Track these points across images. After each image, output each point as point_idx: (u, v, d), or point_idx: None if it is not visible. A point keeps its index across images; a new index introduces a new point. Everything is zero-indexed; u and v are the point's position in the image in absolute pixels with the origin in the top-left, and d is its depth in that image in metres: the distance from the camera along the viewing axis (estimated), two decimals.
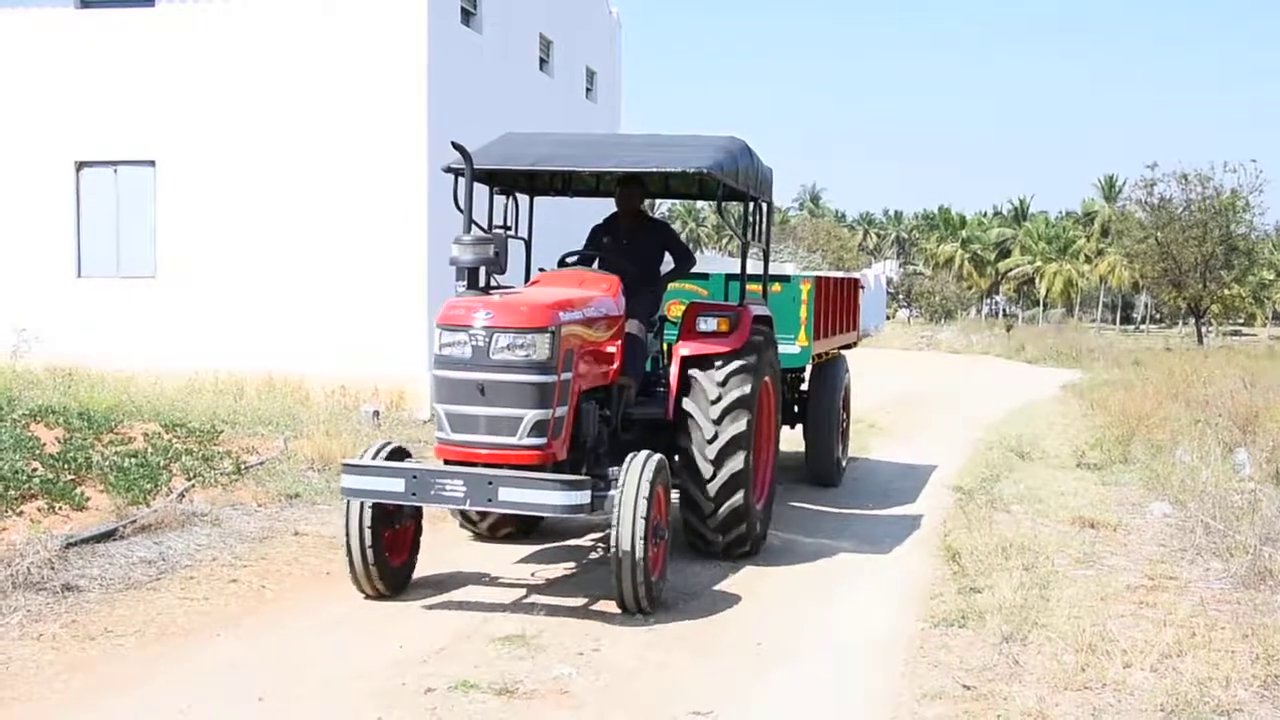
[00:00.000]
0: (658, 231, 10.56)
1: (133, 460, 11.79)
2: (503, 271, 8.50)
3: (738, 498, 9.33)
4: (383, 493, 7.89)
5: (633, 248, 10.19)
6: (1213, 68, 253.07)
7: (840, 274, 15.86)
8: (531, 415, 7.87)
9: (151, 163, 19.41)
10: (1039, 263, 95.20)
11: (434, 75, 18.59)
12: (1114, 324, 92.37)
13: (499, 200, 10.38)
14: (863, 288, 17.04)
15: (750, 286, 10.77)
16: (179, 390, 17.32)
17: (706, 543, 9.62)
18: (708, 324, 9.60)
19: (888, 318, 73.92)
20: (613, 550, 7.77)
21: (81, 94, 19.63)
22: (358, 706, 6.33)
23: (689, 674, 7.02)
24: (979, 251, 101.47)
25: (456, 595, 8.70)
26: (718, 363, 9.39)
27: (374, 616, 8.10)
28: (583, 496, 7.61)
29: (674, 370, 9.51)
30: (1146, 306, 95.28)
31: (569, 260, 10.04)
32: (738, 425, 9.23)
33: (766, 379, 10.07)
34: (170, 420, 14.54)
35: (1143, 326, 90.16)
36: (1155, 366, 30.56)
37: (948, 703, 6.55)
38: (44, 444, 12.17)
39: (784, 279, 13.06)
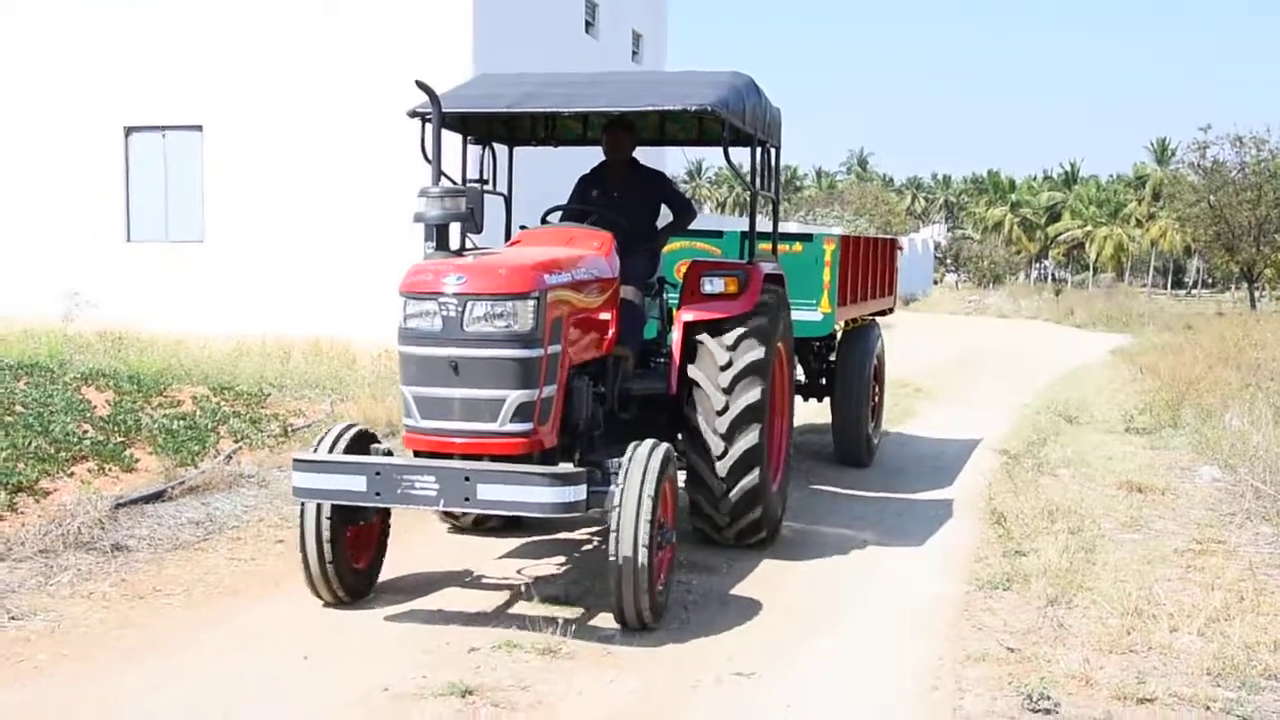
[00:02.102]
0: (653, 182, 9.27)
1: (181, 423, 11.91)
2: (479, 230, 7.39)
3: (752, 477, 8.29)
4: (341, 492, 6.77)
5: (625, 200, 8.98)
6: (1270, 29, 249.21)
7: (874, 233, 15.18)
8: (515, 397, 6.73)
9: (199, 127, 19.57)
10: (1089, 227, 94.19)
11: (479, 38, 18.59)
12: (1165, 289, 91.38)
13: (475, 151, 9.38)
14: (900, 249, 15.50)
15: (763, 247, 9.94)
16: (227, 354, 17.47)
17: (716, 529, 8.63)
18: (714, 285, 8.53)
19: (935, 282, 73.47)
20: (611, 557, 6.69)
21: (130, 59, 19.77)
22: (401, 666, 6.38)
23: (729, 641, 7.03)
24: (1028, 215, 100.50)
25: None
26: (726, 326, 8.36)
27: (420, 580, 8.12)
28: (577, 493, 6.56)
29: (676, 338, 8.45)
30: (1198, 271, 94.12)
31: (553, 216, 8.97)
32: (751, 394, 8.21)
33: (780, 345, 9.02)
34: (218, 383, 14.70)
35: (1194, 291, 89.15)
36: (1206, 331, 30.24)
37: (991, 665, 6.53)
38: (94, 406, 12.33)
39: (805, 238, 11.77)
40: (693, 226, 10.22)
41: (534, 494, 6.49)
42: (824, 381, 12.85)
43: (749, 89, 8.68)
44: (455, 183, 8.27)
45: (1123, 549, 8.90)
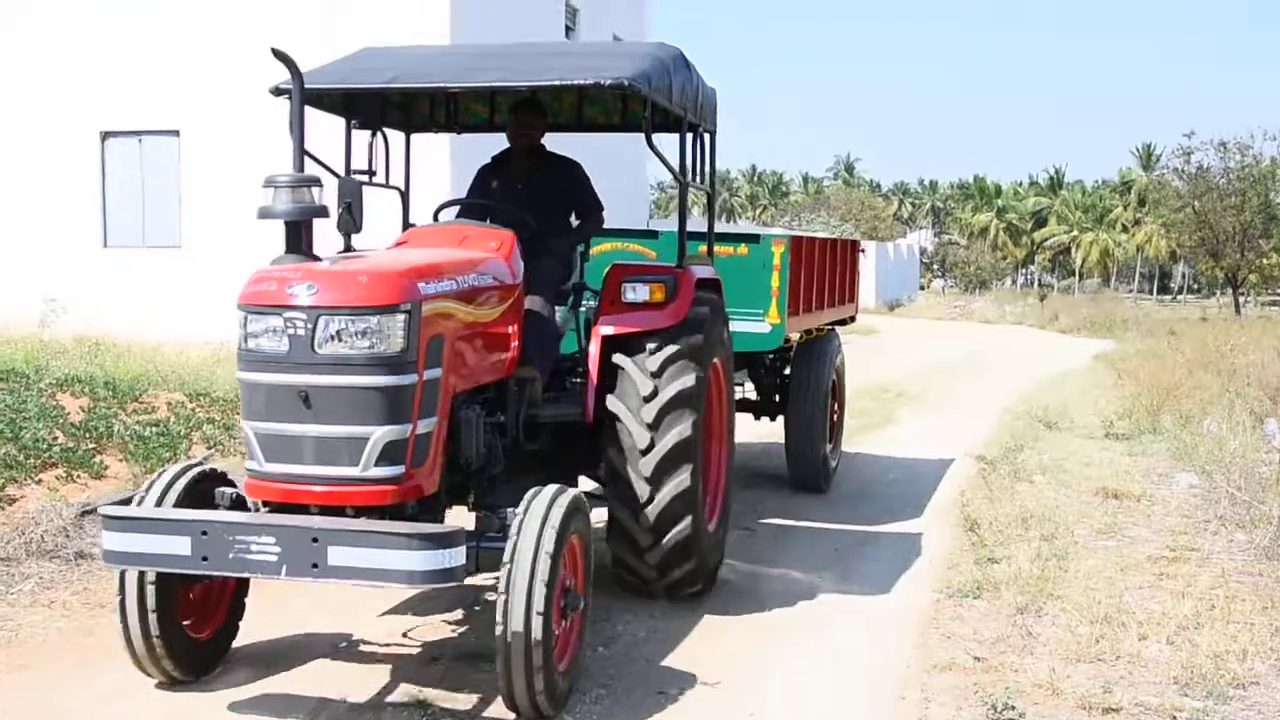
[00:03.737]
0: (564, 173, 8.00)
1: (154, 429, 11.82)
2: (357, 229, 6.49)
3: (684, 527, 7.08)
4: (160, 557, 5.45)
5: (531, 194, 7.73)
6: (1253, 35, 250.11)
7: (830, 237, 13.39)
8: (380, 434, 5.44)
9: (176, 132, 19.50)
10: (1075, 232, 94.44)
11: (456, 40, 18.52)
12: (1151, 294, 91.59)
13: (364, 138, 8.10)
14: (863, 251, 14.17)
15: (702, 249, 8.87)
16: (204, 360, 17.34)
17: (642, 581, 7.39)
18: (636, 293, 7.31)
19: (921, 287, 73.55)
20: (499, 631, 5.37)
21: (106, 64, 19.68)
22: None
23: (696, 649, 6.95)
24: (1014, 221, 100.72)
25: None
26: (650, 345, 7.13)
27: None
28: (452, 556, 5.26)
29: (593, 355, 7.23)
30: (1184, 276, 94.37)
31: (447, 213, 7.90)
32: (680, 429, 6.98)
33: (716, 362, 7.82)
34: (194, 390, 14.57)
35: (1180, 297, 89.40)
36: (1189, 336, 30.25)
37: (957, 674, 6.48)
38: (68, 413, 12.21)
39: (751, 239, 10.37)
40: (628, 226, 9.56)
41: (396, 560, 5.19)
42: (777, 399, 11.66)
43: (677, 63, 7.49)
44: (335, 173, 7.32)
45: (1096, 556, 8.86)
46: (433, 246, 6.79)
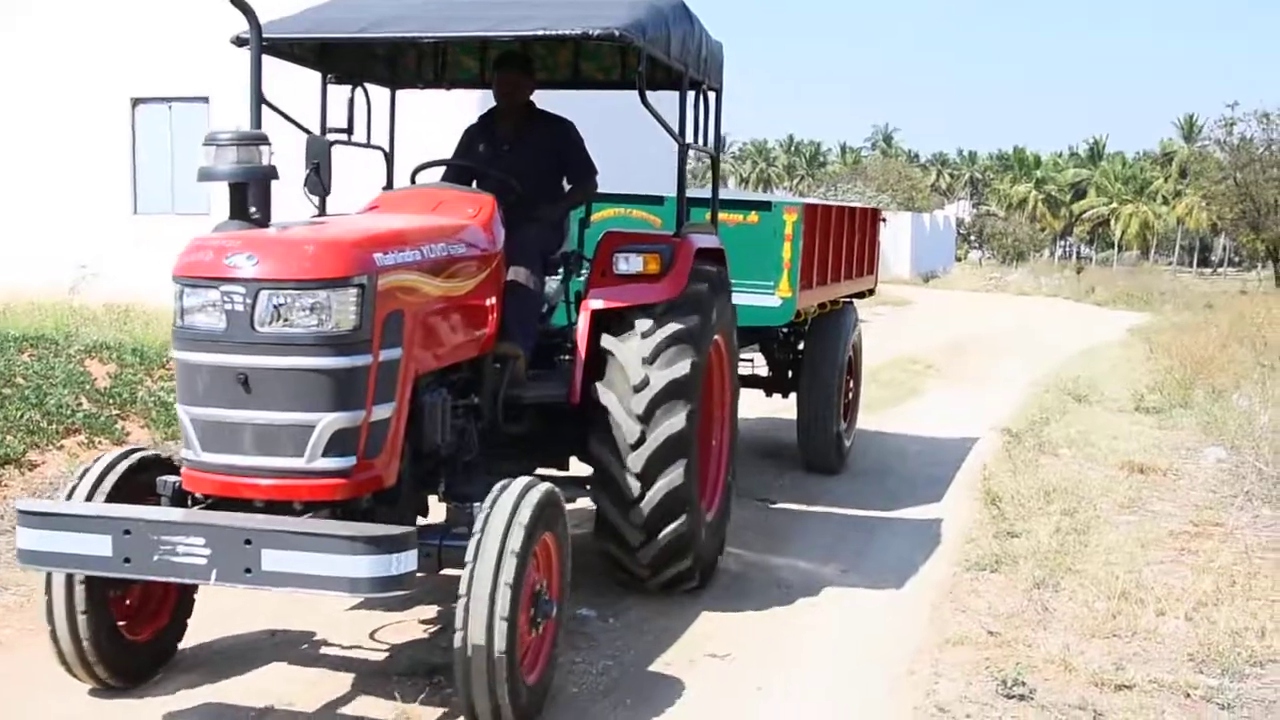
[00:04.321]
0: (555, 133, 7.42)
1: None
2: (326, 191, 6.23)
3: (679, 524, 6.61)
4: (77, 558, 4.90)
5: (518, 156, 7.20)
6: None
7: (847, 204, 12.56)
8: (328, 421, 4.89)
9: (205, 99, 19.45)
10: (1114, 204, 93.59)
11: None
12: (1191, 267, 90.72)
13: (344, 94, 7.59)
14: (883, 220, 13.42)
15: (726, 217, 8.78)
16: None
17: (634, 578, 6.94)
18: (629, 263, 6.77)
19: (958, 259, 73.04)
20: (457, 639, 4.88)
21: (136, 30, 19.66)
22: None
23: (705, 622, 6.91)
24: (1053, 193, 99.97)
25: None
26: (643, 324, 6.60)
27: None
28: (400, 561, 4.69)
29: (581, 331, 6.70)
30: (1225, 249, 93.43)
31: (425, 175, 7.38)
32: (674, 421, 6.47)
33: (717, 339, 7.31)
34: None
35: (1220, 270, 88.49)
36: (1226, 309, 29.96)
37: (970, 648, 6.41)
38: (95, 379, 12.27)
39: (762, 205, 9.76)
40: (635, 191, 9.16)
41: (338, 565, 4.63)
42: (790, 375, 11.17)
43: (677, 13, 6.90)
44: (305, 129, 6.84)
45: (1117, 531, 8.76)
46: (403, 212, 6.29)
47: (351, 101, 7.48)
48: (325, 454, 4.93)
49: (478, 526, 4.96)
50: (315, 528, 4.78)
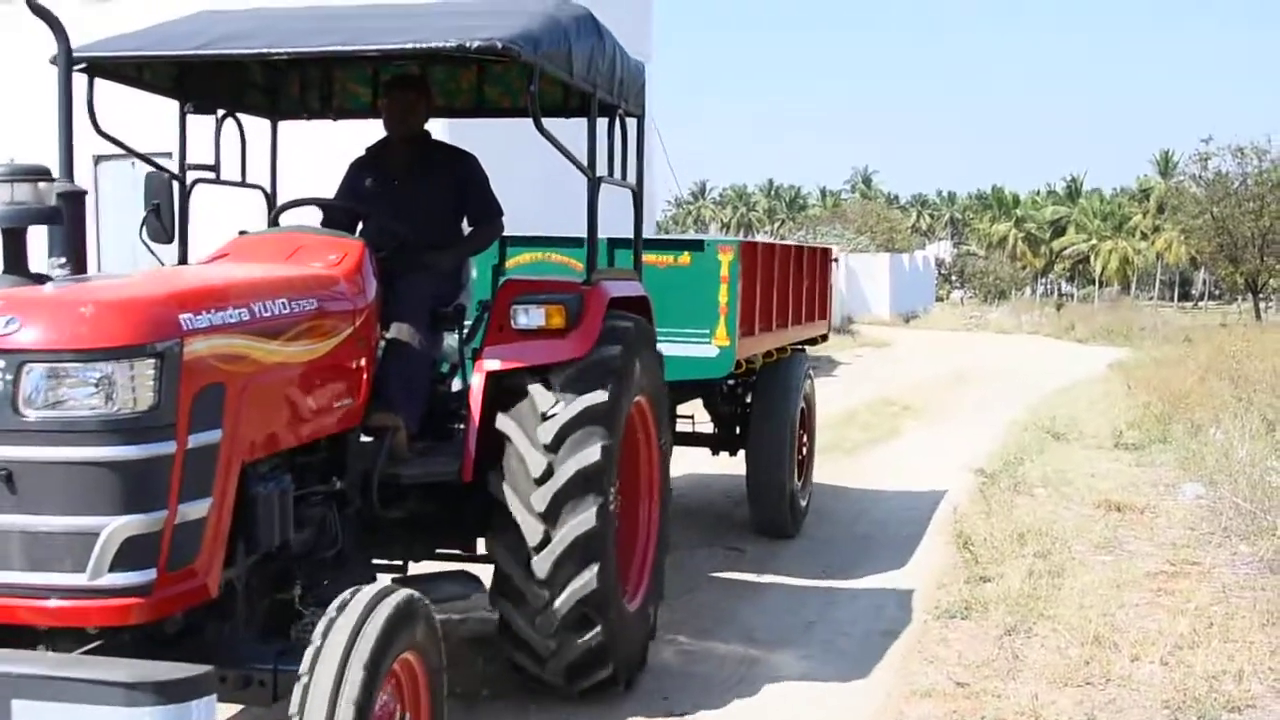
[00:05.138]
0: (453, 169, 6.54)
1: None
2: (169, 239, 5.59)
3: (594, 633, 5.66)
4: None
5: (409, 193, 6.39)
6: (1270, 36, 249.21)
7: (793, 244, 11.46)
8: (117, 528, 3.91)
9: (169, 154, 19.31)
10: (1094, 240, 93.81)
11: None
12: (1172, 301, 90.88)
13: (219, 128, 6.63)
14: (835, 260, 12.57)
15: (666, 260, 8.29)
16: None
17: (538, 660, 5.77)
18: (528, 317, 5.80)
19: (940, 299, 73.06)
20: None
21: (99, 85, 19.53)
22: None
23: (671, 676, 6.65)
24: (1033, 230, 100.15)
25: None
26: (544, 399, 5.69)
27: None
28: (194, 712, 3.66)
29: (474, 396, 5.72)
30: (1205, 283, 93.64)
31: (291, 216, 6.46)
32: (584, 519, 5.54)
33: (640, 401, 6.44)
34: None
35: (1201, 304, 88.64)
36: (1206, 343, 29.83)
37: (937, 701, 6.18)
38: None
39: (694, 245, 8.89)
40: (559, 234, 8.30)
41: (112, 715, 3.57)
42: (738, 430, 10.21)
43: (582, 27, 5.97)
44: (150, 160, 6.02)
45: (1092, 572, 8.53)
46: (253, 261, 5.41)
47: (218, 134, 6.59)
48: (114, 568, 3.92)
49: (312, 644, 4.01)
50: (83, 670, 3.69)
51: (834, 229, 66.23)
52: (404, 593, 4.29)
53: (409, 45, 5.28)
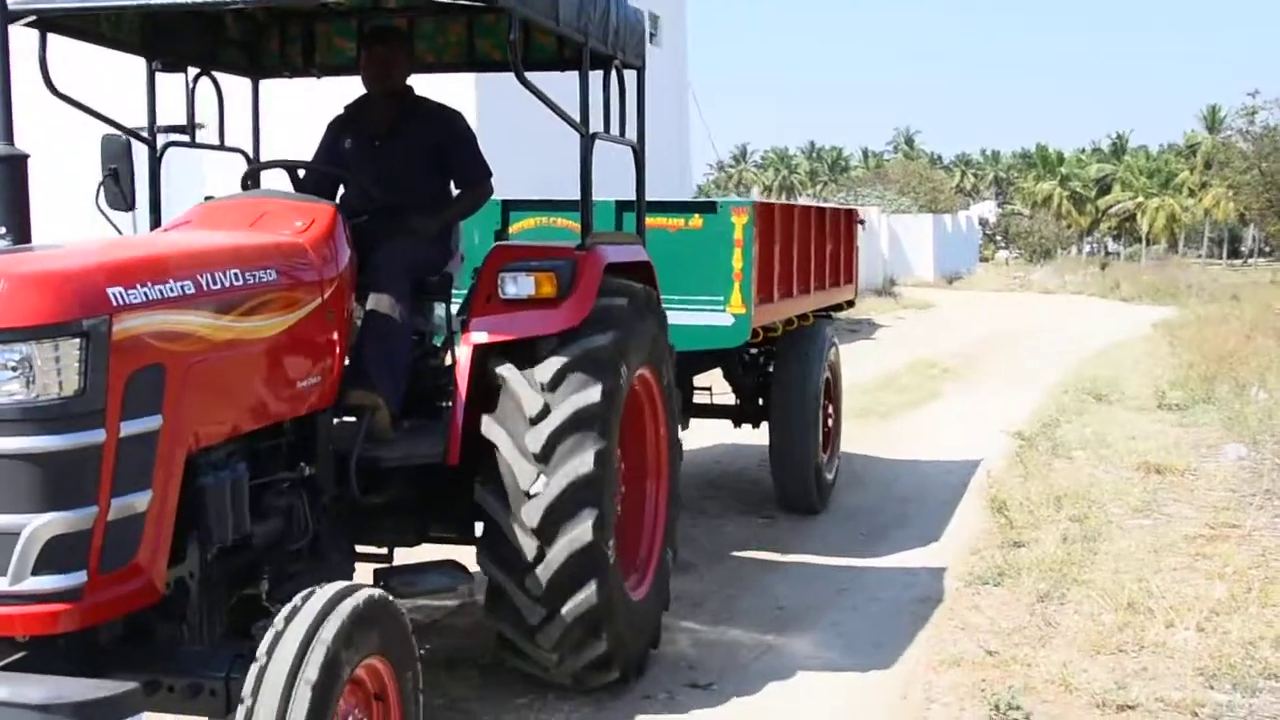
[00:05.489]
0: (437, 126, 6.14)
1: None
2: (129, 205, 5.28)
3: (587, 593, 5.26)
4: None
5: (391, 154, 6.03)
6: None
7: (814, 204, 10.75)
8: (38, 526, 3.55)
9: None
10: (1140, 198, 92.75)
11: None
12: (1221, 259, 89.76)
13: (193, 87, 6.31)
14: (861, 222, 11.94)
15: (673, 224, 7.90)
16: None
17: (540, 668, 5.55)
18: (517, 285, 5.44)
19: (984, 259, 72.42)
20: None
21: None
22: None
23: (696, 645, 6.58)
24: (1078, 189, 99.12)
25: None
26: (545, 344, 5.37)
27: None
28: None
29: (461, 370, 5.40)
30: (1255, 239, 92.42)
31: (265, 179, 6.16)
32: (579, 461, 5.19)
33: (644, 374, 6.06)
34: None
35: (1251, 260, 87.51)
36: (1253, 300, 29.44)
37: (966, 669, 6.09)
38: None
39: (706, 207, 8.49)
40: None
41: None
42: (760, 402, 9.78)
43: None
44: (120, 128, 5.62)
45: (1129, 537, 8.40)
46: (215, 228, 5.02)
47: (190, 93, 6.24)
48: (39, 571, 3.55)
49: (262, 648, 3.65)
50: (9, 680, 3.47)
51: (876, 190, 65.73)
52: (364, 593, 3.90)
53: None
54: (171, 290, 3.99)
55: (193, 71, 6.32)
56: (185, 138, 6.22)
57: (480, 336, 5.40)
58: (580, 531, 5.18)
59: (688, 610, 7.09)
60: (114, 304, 3.71)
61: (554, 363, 5.28)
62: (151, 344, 3.86)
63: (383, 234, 5.57)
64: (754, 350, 9.64)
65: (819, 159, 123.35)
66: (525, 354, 5.36)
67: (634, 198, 6.75)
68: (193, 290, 4.09)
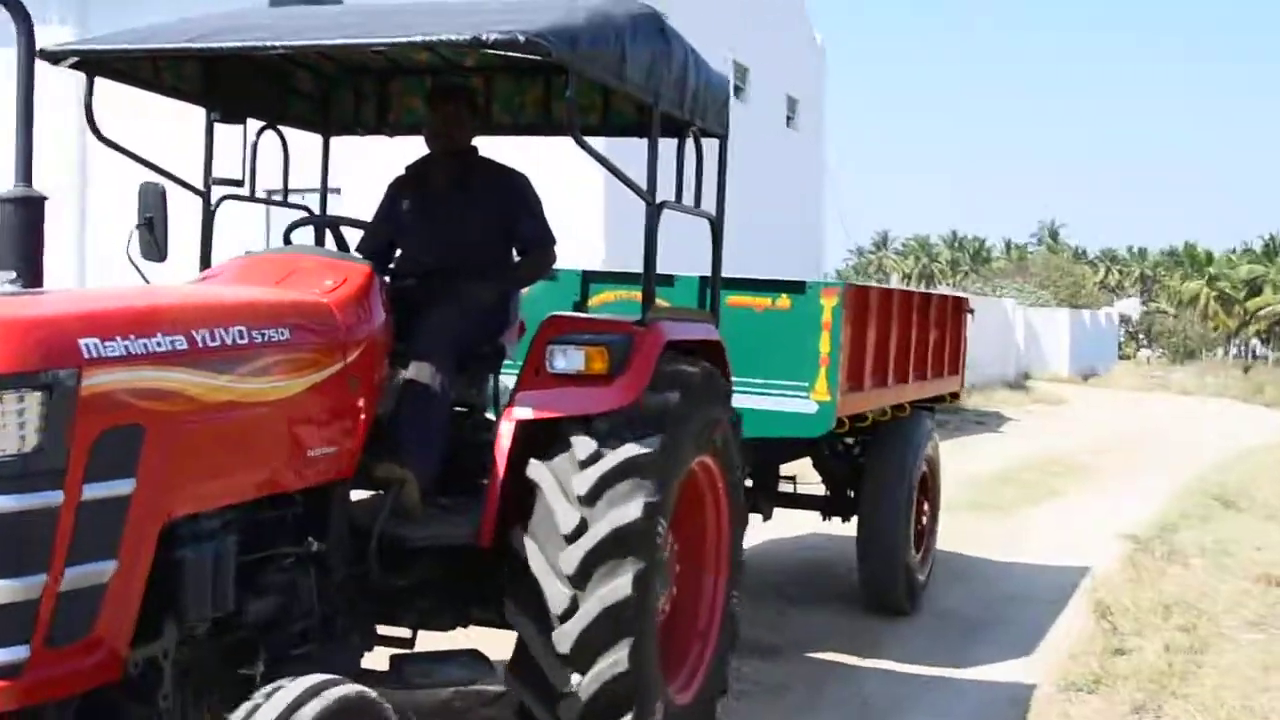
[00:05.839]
0: (502, 189, 5.86)
1: None
2: (162, 256, 5.05)
3: (616, 657, 4.70)
4: None
5: (446, 215, 5.78)
6: None
7: (919, 290, 10.43)
8: None
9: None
10: None
11: None
12: None
13: (255, 141, 6.14)
14: (970, 311, 11.26)
15: (753, 302, 7.58)
16: None
17: None
18: (566, 359, 5.04)
19: (1125, 357, 70.95)
20: None
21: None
22: None
23: None
24: (1226, 289, 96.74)
25: None
26: (583, 446, 4.87)
27: None
28: None
29: (500, 449, 4.96)
30: None
31: (301, 235, 5.84)
32: (627, 511, 4.72)
33: (707, 461, 5.56)
34: None
35: None
36: None
37: None
38: None
39: (795, 287, 7.91)
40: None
41: None
42: (851, 494, 9.27)
43: (639, 26, 5.13)
44: (165, 174, 5.40)
45: (1239, 651, 8.04)
46: (237, 282, 4.83)
47: (253, 146, 6.10)
48: None
49: None
50: None
51: (1015, 282, 64.90)
52: (336, 691, 3.50)
53: (417, 38, 4.60)
54: (159, 345, 3.70)
55: (256, 124, 6.15)
56: (242, 191, 6.01)
57: (524, 412, 4.99)
58: (619, 583, 4.69)
59: (770, 696, 6.94)
60: (85, 356, 3.42)
61: (593, 472, 4.76)
62: (129, 401, 3.57)
63: (432, 299, 5.34)
64: (851, 440, 9.27)
65: (960, 248, 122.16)
66: (566, 442, 4.87)
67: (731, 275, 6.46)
68: (185, 346, 3.80)
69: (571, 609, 4.67)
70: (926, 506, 9.46)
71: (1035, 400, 32.79)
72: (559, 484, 4.78)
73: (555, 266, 6.23)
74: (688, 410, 5.17)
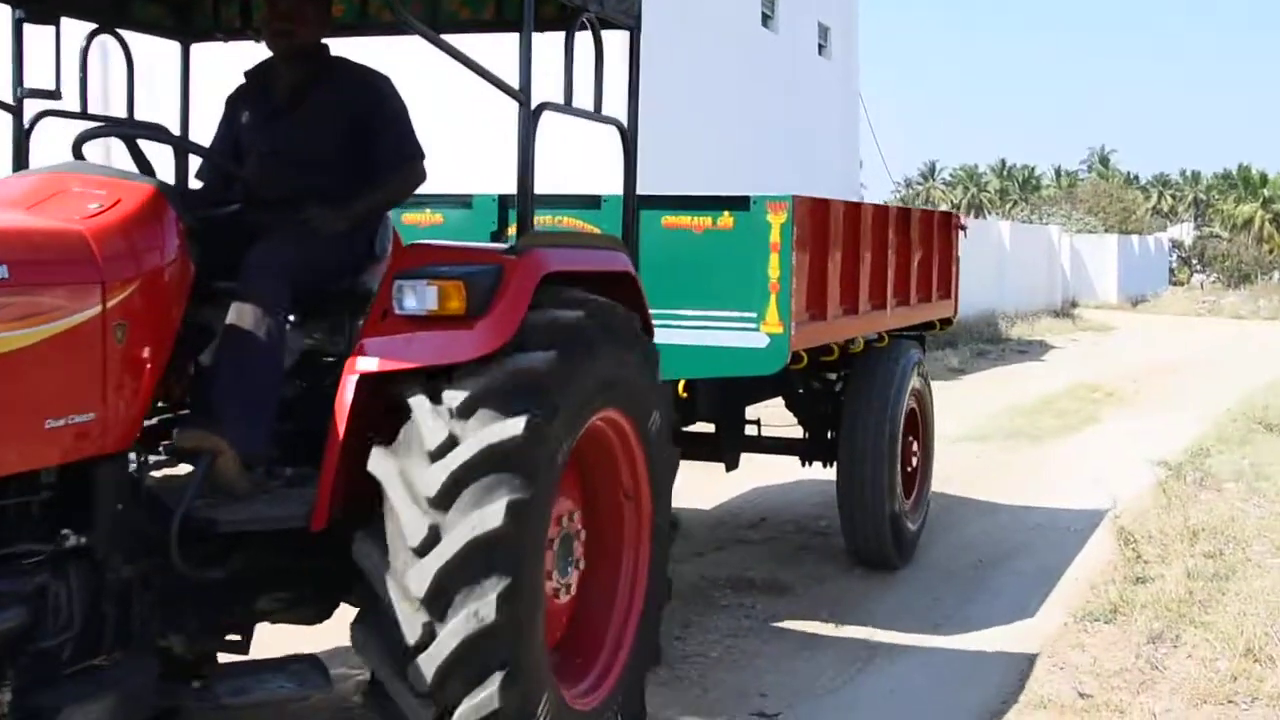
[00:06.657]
0: (355, 93, 4.80)
1: None
2: None
3: (487, 693, 3.82)
4: None
5: (289, 128, 4.80)
6: None
7: (892, 205, 9.37)
8: None
9: None
10: None
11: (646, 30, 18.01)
12: None
13: (85, 46, 5.13)
14: (962, 228, 9.97)
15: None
16: None
17: None
18: (417, 298, 4.06)
19: (1178, 283, 69.88)
20: None
21: None
22: None
23: (775, 671, 6.24)
24: None
25: None
26: (448, 385, 3.99)
27: None
28: None
29: (339, 408, 4.00)
30: None
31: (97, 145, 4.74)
32: (489, 513, 3.81)
33: (614, 416, 4.62)
34: None
35: None
36: None
37: (1052, 712, 5.66)
38: None
39: (737, 203, 6.65)
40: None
41: None
42: (831, 436, 8.27)
43: None
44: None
45: (1266, 577, 7.76)
46: None
47: (83, 53, 5.09)
48: None
49: None
50: None
51: (1063, 210, 64.01)
52: None
53: None
54: None
55: (86, 27, 5.15)
56: (63, 105, 4.98)
57: (367, 363, 4.05)
58: (482, 606, 3.78)
59: (769, 630, 6.77)
60: None
61: (445, 466, 3.85)
62: None
63: (265, 229, 4.38)
64: (830, 375, 8.33)
65: (1009, 177, 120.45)
66: (413, 418, 3.97)
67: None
68: None
69: (431, 539, 3.82)
70: (916, 447, 8.56)
71: (1081, 328, 32.33)
72: (404, 483, 3.90)
73: (469, 192, 5.50)
74: (571, 368, 4.19)
